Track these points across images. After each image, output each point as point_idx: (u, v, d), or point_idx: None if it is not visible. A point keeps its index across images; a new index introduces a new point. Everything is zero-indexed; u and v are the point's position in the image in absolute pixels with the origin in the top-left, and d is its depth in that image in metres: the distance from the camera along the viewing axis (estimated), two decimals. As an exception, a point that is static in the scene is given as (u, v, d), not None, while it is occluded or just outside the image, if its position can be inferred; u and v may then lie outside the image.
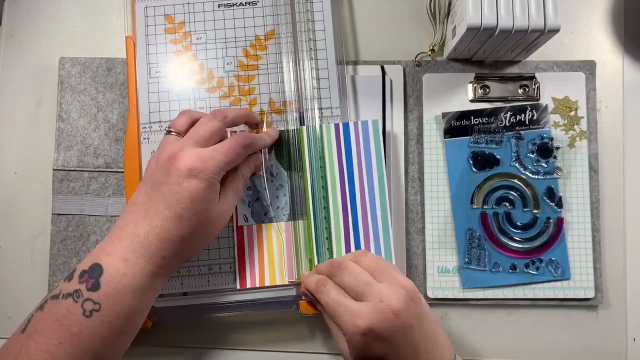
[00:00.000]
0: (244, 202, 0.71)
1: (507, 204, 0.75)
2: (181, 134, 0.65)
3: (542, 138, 0.75)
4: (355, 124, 0.71)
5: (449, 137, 0.76)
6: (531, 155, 0.75)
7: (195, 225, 0.60)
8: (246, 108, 0.73)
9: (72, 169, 0.77)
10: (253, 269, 0.70)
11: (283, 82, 0.73)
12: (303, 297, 0.70)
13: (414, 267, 0.75)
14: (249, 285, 0.70)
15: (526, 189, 0.75)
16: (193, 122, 0.65)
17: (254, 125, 0.72)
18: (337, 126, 0.71)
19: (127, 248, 0.59)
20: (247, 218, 0.70)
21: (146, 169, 0.64)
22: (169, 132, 0.65)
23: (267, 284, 0.70)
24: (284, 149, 0.71)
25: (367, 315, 0.58)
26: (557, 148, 0.76)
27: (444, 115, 0.76)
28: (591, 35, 0.80)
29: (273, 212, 0.71)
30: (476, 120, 0.76)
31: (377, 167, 0.70)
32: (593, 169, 0.76)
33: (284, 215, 0.71)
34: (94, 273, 0.58)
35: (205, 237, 0.63)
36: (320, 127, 0.71)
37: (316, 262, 0.70)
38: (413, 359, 0.59)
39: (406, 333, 0.59)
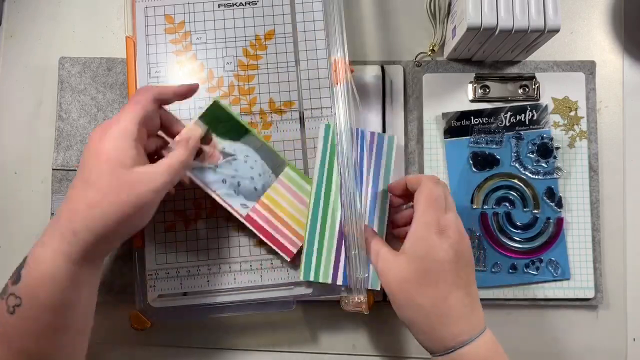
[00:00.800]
0: (232, 194, 0.69)
1: (507, 204, 0.75)
2: None
3: (542, 138, 0.75)
4: (372, 135, 0.71)
5: (449, 137, 0.76)
6: (531, 155, 0.75)
7: (103, 189, 0.55)
8: (245, 107, 0.73)
9: (71, 168, 0.77)
10: (286, 236, 0.70)
11: (283, 82, 0.73)
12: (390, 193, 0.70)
13: (414, 267, 0.75)
14: (295, 252, 0.70)
15: (526, 189, 0.75)
16: None
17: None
18: (356, 130, 0.71)
19: (47, 233, 0.57)
20: (245, 205, 0.70)
21: None
22: None
23: (302, 240, 0.70)
24: (218, 125, 0.70)
25: (451, 221, 0.60)
26: (557, 148, 0.76)
27: (444, 115, 0.76)
28: (591, 35, 0.80)
29: (259, 182, 0.70)
30: (476, 121, 0.76)
31: (383, 180, 0.70)
32: (593, 169, 0.76)
33: (269, 177, 0.70)
34: (20, 266, 0.56)
35: (119, 207, 0.56)
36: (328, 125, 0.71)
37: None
38: (466, 288, 0.60)
39: (468, 260, 0.61)
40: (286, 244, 0.70)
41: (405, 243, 0.61)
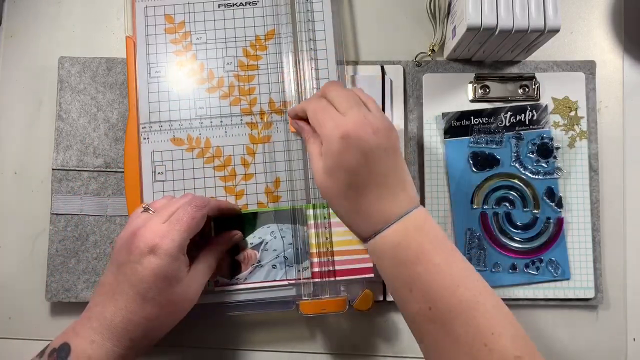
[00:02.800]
0: (289, 269, 0.71)
1: (507, 204, 0.75)
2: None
3: (542, 138, 0.75)
4: None
5: (449, 137, 0.76)
6: (531, 155, 0.75)
7: (161, 303, 0.60)
8: (245, 107, 0.73)
9: (71, 168, 0.77)
10: (353, 261, 0.72)
11: (283, 82, 0.73)
12: (290, 122, 0.71)
13: (414, 267, 0.75)
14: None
15: (526, 189, 0.75)
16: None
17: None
18: None
19: (95, 329, 0.59)
20: (305, 267, 0.71)
21: (113, 247, 0.64)
22: (145, 209, 0.65)
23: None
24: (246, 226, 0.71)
25: (349, 123, 0.58)
26: (557, 148, 0.76)
27: (444, 115, 0.76)
28: (591, 35, 0.80)
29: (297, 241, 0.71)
30: (476, 120, 0.76)
31: None
32: (593, 169, 0.76)
33: (299, 230, 0.71)
34: (62, 352, 0.58)
35: (173, 315, 0.62)
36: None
37: None
38: (382, 182, 0.59)
39: (381, 153, 0.59)
40: (360, 266, 0.71)
41: (322, 154, 0.61)
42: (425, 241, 0.58)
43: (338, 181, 0.59)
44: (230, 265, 0.70)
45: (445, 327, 0.55)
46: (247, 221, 0.70)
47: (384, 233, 0.59)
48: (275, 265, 0.69)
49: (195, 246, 0.64)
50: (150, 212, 0.64)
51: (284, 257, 0.70)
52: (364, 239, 0.61)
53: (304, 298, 0.70)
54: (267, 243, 0.69)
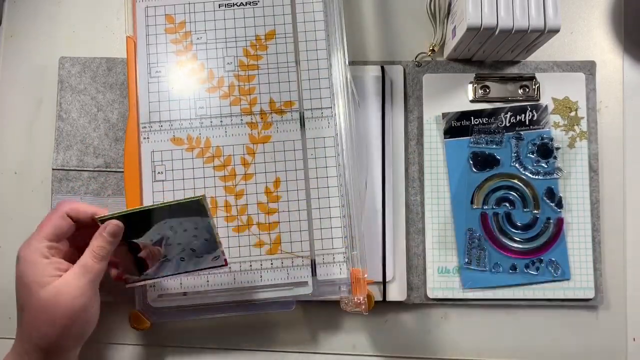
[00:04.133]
0: (199, 260, 0.67)
1: (507, 205, 0.75)
2: None
3: (542, 138, 0.75)
4: None
5: (449, 138, 0.76)
6: (531, 155, 0.75)
7: (30, 309, 0.60)
8: (246, 107, 0.73)
9: (71, 168, 0.77)
10: None
11: (283, 82, 0.73)
12: None
13: (414, 267, 0.75)
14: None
15: (526, 190, 0.75)
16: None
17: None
18: None
19: (13, 347, 0.62)
20: (216, 256, 0.67)
21: None
22: None
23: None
24: (130, 229, 0.65)
25: None
26: (557, 148, 0.76)
27: (444, 115, 0.76)
28: (591, 35, 0.80)
29: (202, 232, 0.66)
30: (476, 121, 0.76)
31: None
32: (593, 170, 0.76)
33: (202, 221, 0.65)
34: None
35: (53, 322, 0.60)
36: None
37: None
38: None
39: None
40: None
41: None
42: None
43: None
44: (135, 263, 0.67)
45: None
46: (140, 220, 0.65)
47: None
48: (184, 258, 0.67)
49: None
50: None
51: (191, 249, 0.67)
52: None
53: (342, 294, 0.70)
54: (168, 238, 0.66)
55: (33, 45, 0.81)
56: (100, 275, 0.63)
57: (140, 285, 0.69)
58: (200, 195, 0.62)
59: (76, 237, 0.66)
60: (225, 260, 0.67)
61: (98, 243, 0.63)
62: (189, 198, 0.63)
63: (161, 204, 0.64)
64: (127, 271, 0.68)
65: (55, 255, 0.63)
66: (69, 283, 0.60)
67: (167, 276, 0.68)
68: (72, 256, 0.64)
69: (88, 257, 0.62)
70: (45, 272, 0.60)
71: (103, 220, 0.63)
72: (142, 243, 0.66)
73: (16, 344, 0.62)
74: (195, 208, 0.64)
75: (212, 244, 0.66)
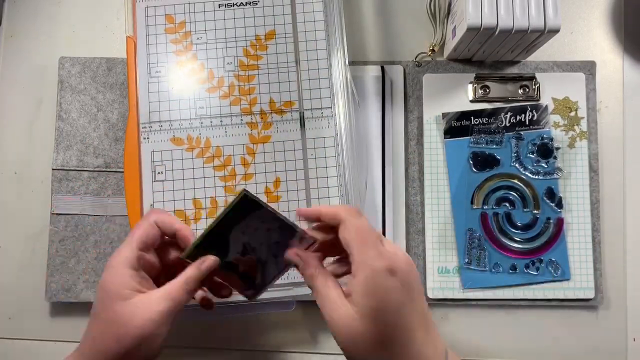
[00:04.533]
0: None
1: (507, 205, 0.75)
2: None
3: (542, 138, 0.75)
4: None
5: (449, 138, 0.76)
6: (531, 155, 0.75)
7: (104, 320, 0.56)
8: (245, 107, 0.73)
9: (71, 168, 0.77)
10: None
11: (283, 82, 0.73)
12: (310, 226, 0.60)
13: (414, 268, 0.76)
14: None
15: (526, 190, 0.75)
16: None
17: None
18: None
19: (75, 352, 0.58)
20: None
21: None
22: None
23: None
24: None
25: (393, 254, 0.52)
26: (557, 148, 0.76)
27: (444, 115, 0.76)
28: (591, 35, 0.80)
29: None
30: (476, 121, 0.76)
31: None
32: (593, 170, 0.76)
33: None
34: None
35: (119, 339, 0.55)
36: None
37: None
38: (424, 323, 0.52)
39: (420, 289, 0.53)
40: None
41: (355, 293, 0.52)
42: None
43: (380, 325, 0.51)
44: (241, 279, 0.62)
45: None
46: (216, 240, 0.61)
47: None
48: (276, 254, 0.63)
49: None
50: None
51: (274, 242, 0.60)
52: None
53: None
54: (249, 243, 0.61)
55: (33, 45, 0.81)
56: (182, 307, 0.58)
57: (263, 292, 0.64)
58: (243, 191, 0.58)
59: (165, 254, 0.63)
60: (312, 237, 0.59)
61: (192, 275, 0.59)
62: (234, 200, 0.59)
63: (218, 217, 0.60)
64: (240, 289, 0.63)
65: (144, 268, 0.59)
66: (148, 305, 0.56)
67: (278, 275, 0.62)
68: (153, 271, 0.61)
69: (178, 286, 0.58)
70: (128, 285, 0.56)
71: (188, 256, 0.60)
72: (234, 258, 0.61)
73: (81, 348, 0.57)
74: (246, 205, 0.59)
75: (288, 228, 0.59)
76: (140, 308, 0.56)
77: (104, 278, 0.57)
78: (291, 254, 0.58)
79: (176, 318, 0.58)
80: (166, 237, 0.62)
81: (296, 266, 0.58)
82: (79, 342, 0.58)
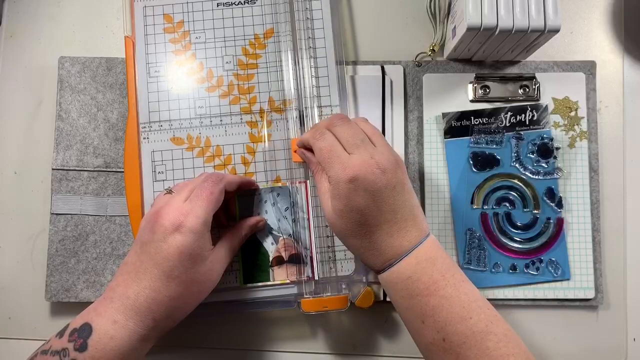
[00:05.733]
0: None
1: (507, 204, 0.75)
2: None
3: (543, 138, 0.75)
4: None
5: (449, 137, 0.76)
6: (531, 155, 0.75)
7: (186, 282, 0.60)
8: (245, 106, 0.73)
9: (71, 168, 0.76)
10: None
11: (282, 80, 0.73)
12: (295, 152, 0.71)
13: (414, 267, 0.75)
14: None
15: (526, 190, 0.75)
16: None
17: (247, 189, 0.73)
18: None
19: (117, 309, 0.59)
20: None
21: (139, 229, 0.64)
22: (168, 191, 0.65)
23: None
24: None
25: (356, 165, 0.60)
26: (557, 148, 0.76)
27: (444, 115, 0.76)
28: (591, 35, 0.80)
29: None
30: (476, 121, 0.76)
31: None
32: (593, 169, 0.76)
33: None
34: (83, 333, 0.58)
35: (197, 295, 0.63)
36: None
37: None
38: (391, 219, 0.60)
39: (389, 192, 0.60)
40: None
41: (330, 196, 0.62)
42: (436, 273, 0.59)
43: (348, 221, 0.61)
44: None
45: (459, 358, 0.57)
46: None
47: (394, 267, 0.61)
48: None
49: (219, 227, 0.69)
50: (173, 193, 0.64)
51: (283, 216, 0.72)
52: (376, 272, 0.63)
53: (305, 296, 0.70)
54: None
55: (33, 45, 0.81)
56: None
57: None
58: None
59: None
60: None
61: (246, 232, 0.70)
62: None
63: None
64: None
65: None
66: (219, 260, 0.64)
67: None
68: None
69: (236, 240, 0.68)
70: (207, 246, 0.61)
71: None
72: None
73: (133, 311, 0.59)
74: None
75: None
76: (215, 265, 0.63)
77: (183, 241, 0.59)
78: (299, 152, 0.70)
79: None
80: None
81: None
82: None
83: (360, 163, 0.60)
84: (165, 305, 0.59)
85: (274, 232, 0.72)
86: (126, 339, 0.58)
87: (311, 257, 0.71)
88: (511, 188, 0.75)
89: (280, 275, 0.71)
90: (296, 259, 0.71)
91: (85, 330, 0.58)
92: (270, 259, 0.71)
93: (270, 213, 0.72)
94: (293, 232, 0.72)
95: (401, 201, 0.61)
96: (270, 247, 0.72)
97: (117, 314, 0.58)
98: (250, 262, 0.71)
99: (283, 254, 0.71)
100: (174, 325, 0.63)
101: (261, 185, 0.72)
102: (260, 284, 0.71)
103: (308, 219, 0.71)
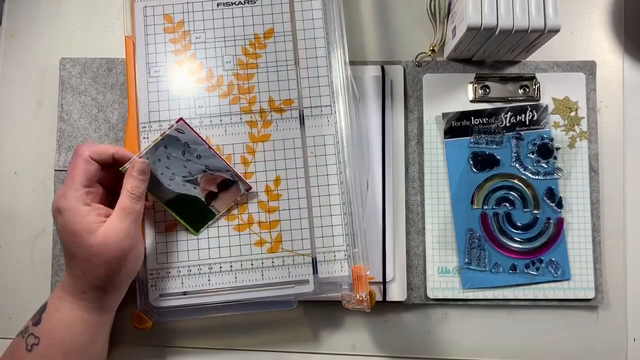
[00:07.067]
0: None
1: (507, 205, 0.75)
2: None
3: (543, 138, 0.75)
4: None
5: (449, 138, 0.76)
6: (531, 155, 0.75)
7: (85, 256, 0.62)
8: (245, 106, 0.73)
9: (72, 169, 0.77)
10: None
11: (282, 80, 0.73)
12: None
13: (414, 268, 0.75)
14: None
15: (526, 190, 0.75)
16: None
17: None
18: None
19: (61, 286, 0.65)
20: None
21: None
22: None
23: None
24: None
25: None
26: (558, 148, 0.76)
27: (444, 115, 0.76)
28: (591, 35, 0.80)
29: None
30: (476, 121, 0.76)
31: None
32: (593, 170, 0.76)
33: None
34: (41, 310, 0.65)
35: (107, 265, 0.63)
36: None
37: None
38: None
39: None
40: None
41: None
42: None
43: None
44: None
45: None
46: None
47: None
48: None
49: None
50: None
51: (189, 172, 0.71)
52: None
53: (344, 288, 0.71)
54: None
55: (33, 45, 0.81)
56: (140, 214, 0.66)
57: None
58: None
59: (103, 177, 0.68)
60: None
61: (131, 183, 0.66)
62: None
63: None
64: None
65: (94, 200, 0.65)
66: (115, 227, 0.63)
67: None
68: (107, 198, 0.69)
69: (126, 199, 0.65)
70: (90, 219, 0.62)
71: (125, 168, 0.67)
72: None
73: (67, 287, 0.64)
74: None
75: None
76: (110, 234, 0.62)
77: (64, 221, 0.62)
78: None
79: (140, 223, 0.67)
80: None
81: None
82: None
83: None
84: (81, 279, 0.63)
85: (187, 178, 0.71)
86: (68, 309, 0.64)
87: (236, 174, 0.71)
88: (511, 188, 0.75)
89: (222, 205, 0.72)
90: (226, 184, 0.71)
91: (42, 308, 0.65)
92: (203, 199, 0.71)
93: (173, 166, 0.70)
94: (205, 166, 0.71)
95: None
96: (195, 191, 0.71)
97: (60, 290, 0.65)
98: (188, 213, 0.71)
99: (211, 188, 0.71)
100: (113, 297, 0.66)
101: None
102: (210, 222, 0.72)
103: (209, 147, 0.70)
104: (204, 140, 0.70)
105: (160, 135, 0.68)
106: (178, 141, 0.69)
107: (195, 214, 0.71)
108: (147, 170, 0.68)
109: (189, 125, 0.68)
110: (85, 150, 0.65)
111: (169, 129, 0.68)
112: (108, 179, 0.68)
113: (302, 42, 0.73)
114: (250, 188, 0.71)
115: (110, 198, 0.69)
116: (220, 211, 0.71)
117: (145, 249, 0.70)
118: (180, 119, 0.68)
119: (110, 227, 0.63)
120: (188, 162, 0.70)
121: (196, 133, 0.69)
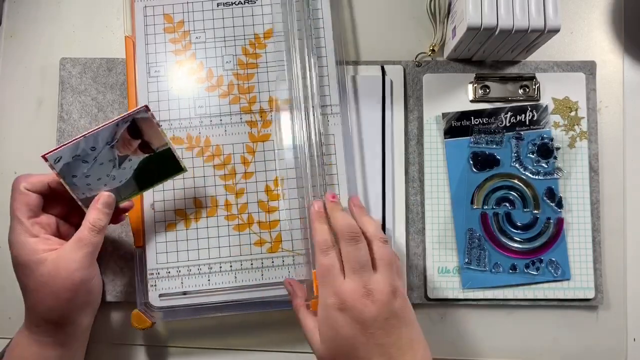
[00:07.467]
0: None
1: (507, 205, 0.75)
2: None
3: (543, 138, 0.75)
4: None
5: (449, 138, 0.76)
6: (531, 155, 0.75)
7: (35, 287, 0.62)
8: (245, 106, 0.73)
9: (72, 168, 0.77)
10: None
11: (282, 80, 0.73)
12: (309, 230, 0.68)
13: (414, 268, 0.75)
14: None
15: (526, 190, 0.75)
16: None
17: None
18: None
19: (24, 320, 0.65)
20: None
21: None
22: None
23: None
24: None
25: (346, 292, 0.58)
26: (558, 148, 0.76)
27: (444, 115, 0.76)
28: (591, 35, 0.80)
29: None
30: (476, 121, 0.76)
31: None
32: (593, 170, 0.76)
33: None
34: (9, 344, 0.66)
35: (57, 295, 0.62)
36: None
37: None
38: (383, 353, 0.57)
39: (380, 324, 0.57)
40: None
41: (318, 323, 0.61)
42: None
43: (335, 351, 0.59)
44: None
45: None
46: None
47: None
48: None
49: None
50: None
51: (113, 176, 0.67)
52: None
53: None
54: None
55: (33, 45, 0.81)
56: (97, 247, 0.64)
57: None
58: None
59: (53, 206, 0.67)
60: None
61: (94, 216, 0.64)
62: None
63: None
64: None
65: (45, 230, 0.64)
66: (66, 257, 0.62)
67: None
68: (62, 227, 0.67)
69: (85, 230, 0.63)
70: (38, 250, 0.61)
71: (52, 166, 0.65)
72: None
73: (26, 321, 0.64)
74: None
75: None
76: (60, 263, 0.61)
77: (14, 255, 0.62)
78: (286, 282, 0.69)
79: (95, 256, 0.65)
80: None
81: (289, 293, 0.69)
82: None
83: (350, 290, 0.58)
84: (33, 312, 0.63)
85: (113, 164, 0.66)
86: (25, 344, 0.64)
87: (120, 117, 0.64)
88: (511, 188, 0.75)
89: (158, 138, 0.65)
90: (134, 129, 0.64)
91: (9, 342, 0.66)
92: (145, 157, 0.67)
93: (102, 156, 0.66)
94: (110, 145, 0.66)
95: (396, 335, 0.58)
96: (134, 162, 0.66)
97: (23, 325, 0.65)
98: (155, 174, 0.68)
99: (133, 145, 0.65)
100: (70, 330, 0.65)
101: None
102: (177, 154, 0.67)
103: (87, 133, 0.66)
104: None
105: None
106: (101, 139, 0.65)
107: (159, 169, 0.67)
108: (112, 204, 0.66)
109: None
110: (20, 182, 0.64)
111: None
112: (58, 207, 0.67)
113: (302, 42, 0.73)
114: (145, 106, 0.63)
115: (66, 227, 0.68)
116: (165, 142, 0.66)
117: (103, 283, 0.71)
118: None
119: (62, 256, 0.62)
120: (99, 155, 0.66)
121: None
